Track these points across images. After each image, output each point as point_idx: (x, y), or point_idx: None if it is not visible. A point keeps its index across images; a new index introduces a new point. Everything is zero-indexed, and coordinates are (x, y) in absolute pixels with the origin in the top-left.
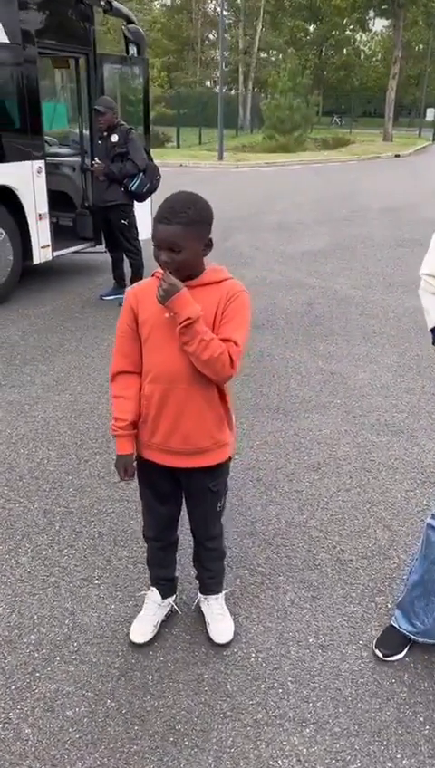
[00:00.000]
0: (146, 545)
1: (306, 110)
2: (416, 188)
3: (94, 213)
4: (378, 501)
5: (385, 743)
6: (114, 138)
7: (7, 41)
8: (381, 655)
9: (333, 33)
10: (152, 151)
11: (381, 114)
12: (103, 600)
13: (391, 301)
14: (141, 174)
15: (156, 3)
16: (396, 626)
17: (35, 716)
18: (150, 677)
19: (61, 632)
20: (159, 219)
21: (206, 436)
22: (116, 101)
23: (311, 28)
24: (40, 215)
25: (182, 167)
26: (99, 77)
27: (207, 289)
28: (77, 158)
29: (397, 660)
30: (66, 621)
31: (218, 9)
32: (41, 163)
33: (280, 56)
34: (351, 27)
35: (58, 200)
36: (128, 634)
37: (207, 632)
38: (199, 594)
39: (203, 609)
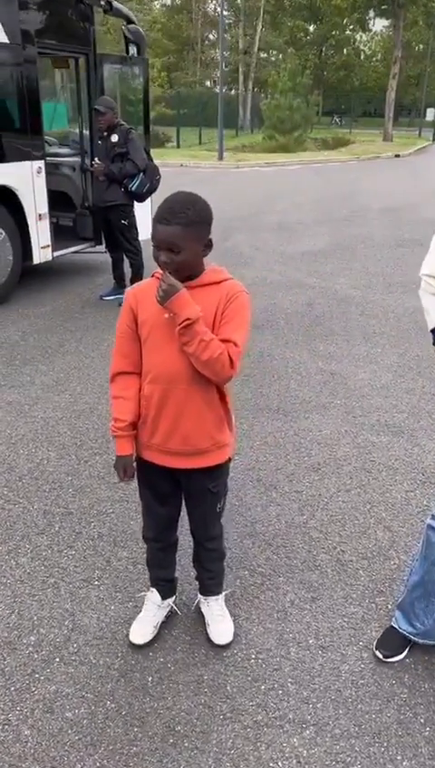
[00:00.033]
0: (145, 546)
1: (306, 110)
2: (416, 188)
3: (94, 213)
4: (378, 501)
5: (385, 744)
6: (114, 138)
7: (7, 41)
8: (381, 656)
9: (333, 33)
10: (152, 151)
11: (381, 114)
12: (103, 601)
13: (391, 301)
14: (141, 174)
15: (156, 3)
16: (396, 627)
17: (35, 718)
18: (150, 679)
19: (60, 633)
20: (159, 220)
21: (205, 436)
22: (116, 101)
23: (311, 28)
24: (40, 215)
25: (182, 167)
26: (99, 77)
27: (206, 289)
28: (77, 158)
29: (397, 661)
30: (66, 622)
31: (218, 9)
32: (41, 163)
33: (280, 56)
34: (351, 27)
35: (58, 200)
36: (127, 635)
37: (206, 633)
38: (199, 595)
39: (203, 610)
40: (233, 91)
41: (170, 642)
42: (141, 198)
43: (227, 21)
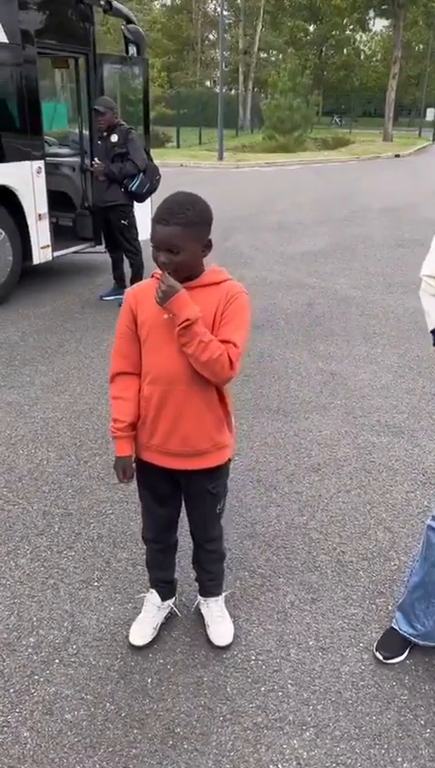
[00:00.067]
0: (145, 547)
1: (306, 110)
2: (416, 188)
3: (94, 213)
4: (378, 502)
5: (386, 746)
6: (114, 138)
7: (7, 41)
8: (381, 657)
9: (333, 33)
10: (152, 151)
11: (381, 114)
12: (102, 603)
13: (391, 301)
14: (141, 174)
15: (156, 3)
16: (397, 628)
17: (34, 720)
18: (150, 680)
19: (60, 635)
20: (158, 220)
21: (205, 437)
22: (116, 101)
23: (311, 28)
24: (40, 215)
25: (182, 167)
26: (99, 77)
27: (206, 290)
28: (77, 159)
29: (398, 663)
30: (65, 624)
31: (218, 9)
32: (40, 163)
33: (280, 56)
34: (351, 27)
35: (58, 200)
36: (127, 636)
37: (206, 635)
38: (199, 596)
39: (203, 611)
40: (233, 91)
41: (170, 644)
42: (141, 198)
43: (227, 21)
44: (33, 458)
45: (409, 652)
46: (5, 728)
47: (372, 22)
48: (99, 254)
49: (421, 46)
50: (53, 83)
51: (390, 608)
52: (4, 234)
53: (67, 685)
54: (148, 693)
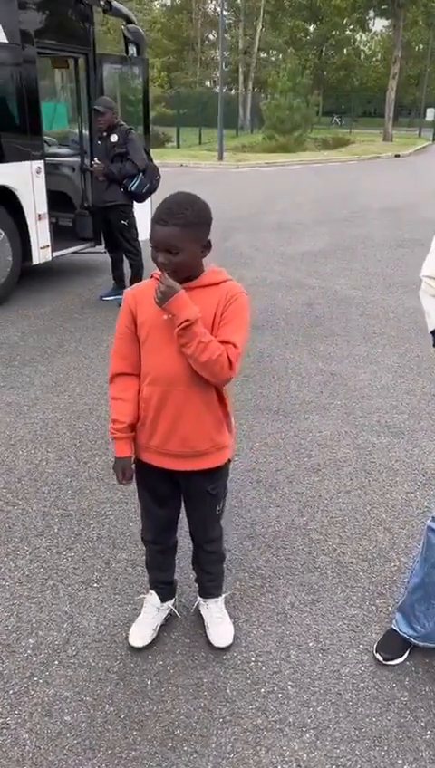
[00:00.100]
0: (145, 548)
1: (306, 110)
2: (416, 188)
3: (94, 213)
4: (378, 503)
5: (386, 748)
6: (114, 138)
7: (7, 41)
8: (381, 659)
9: (333, 33)
10: (152, 151)
11: (381, 114)
12: (102, 604)
13: (391, 301)
14: (141, 174)
15: (156, 3)
16: (397, 629)
17: (33, 721)
18: (149, 682)
19: (59, 636)
20: (157, 220)
21: (204, 438)
22: (116, 101)
23: (311, 28)
24: (39, 215)
25: (182, 167)
26: (98, 77)
27: (206, 290)
28: (77, 159)
29: (398, 664)
30: (65, 625)
31: (218, 9)
32: (40, 163)
33: (280, 56)
34: (351, 27)
35: (58, 200)
36: (127, 638)
37: (206, 636)
38: (199, 597)
39: (202, 612)
40: (233, 91)
41: (170, 645)
42: (141, 198)
43: (227, 21)
44: (32, 459)
45: (409, 653)
46: (5, 730)
47: (372, 22)
48: (98, 255)
49: (421, 46)
50: (53, 83)
51: (390, 609)
52: (3, 234)
53: (66, 686)
54: (147, 694)
